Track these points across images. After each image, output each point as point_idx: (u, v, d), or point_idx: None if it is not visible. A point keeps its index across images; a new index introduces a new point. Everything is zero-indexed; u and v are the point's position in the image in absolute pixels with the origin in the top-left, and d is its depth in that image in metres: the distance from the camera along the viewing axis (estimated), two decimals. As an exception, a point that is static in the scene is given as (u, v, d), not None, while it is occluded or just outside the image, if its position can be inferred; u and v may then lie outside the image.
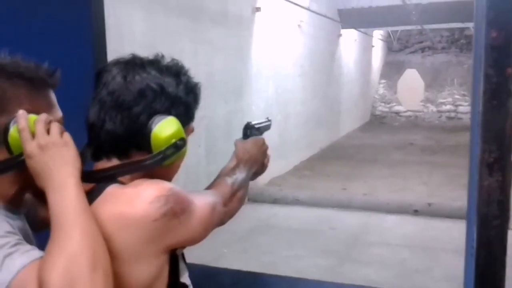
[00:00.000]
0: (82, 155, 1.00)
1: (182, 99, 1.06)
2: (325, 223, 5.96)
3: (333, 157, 10.17)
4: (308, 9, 9.02)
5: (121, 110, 1.00)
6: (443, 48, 18.30)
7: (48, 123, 0.96)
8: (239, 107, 6.68)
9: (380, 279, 4.28)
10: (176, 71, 1.07)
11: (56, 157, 0.93)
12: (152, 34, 4.70)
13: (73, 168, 0.94)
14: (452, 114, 16.33)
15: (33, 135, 0.94)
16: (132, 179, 1.01)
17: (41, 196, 1.00)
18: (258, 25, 7.26)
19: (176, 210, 0.96)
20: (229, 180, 1.24)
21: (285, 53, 8.45)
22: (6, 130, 0.95)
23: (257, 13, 7.18)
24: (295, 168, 8.84)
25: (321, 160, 9.83)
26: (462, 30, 17.04)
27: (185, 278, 1.09)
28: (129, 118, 1.00)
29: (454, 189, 6.89)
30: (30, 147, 0.93)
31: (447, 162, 9.16)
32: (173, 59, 1.09)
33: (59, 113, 1.05)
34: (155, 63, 1.06)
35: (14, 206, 1.00)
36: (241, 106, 6.76)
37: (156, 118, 1.00)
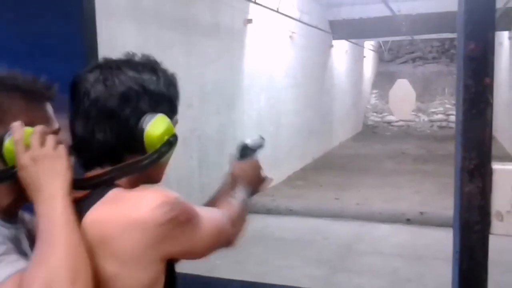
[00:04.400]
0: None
1: (165, 94, 1.04)
2: (318, 233, 5.97)
3: (326, 167, 10.20)
4: (299, 20, 9.10)
5: (108, 118, 0.98)
6: (433, 58, 18.48)
7: (44, 135, 0.97)
8: (231, 119, 6.71)
9: (373, 288, 4.29)
10: (152, 67, 1.05)
11: (47, 169, 0.93)
12: (145, 47, 4.71)
13: (63, 181, 0.94)
14: (444, 123, 16.45)
15: (27, 147, 0.95)
16: (128, 182, 1.01)
17: None
18: (250, 37, 7.32)
19: (181, 219, 0.96)
20: (235, 201, 1.24)
21: (277, 64, 8.51)
22: (1, 142, 0.97)
23: (249, 25, 7.24)
24: (288, 178, 8.86)
25: (314, 170, 9.86)
26: (452, 40, 17.22)
27: None
28: (118, 124, 0.99)
29: (446, 197, 6.92)
30: (23, 158, 0.94)
31: (439, 171, 9.21)
32: (143, 55, 1.07)
33: (55, 125, 1.06)
34: (129, 62, 1.04)
35: (8, 216, 1.01)
36: (234, 118, 6.79)
37: (145, 118, 0.99)
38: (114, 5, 4.35)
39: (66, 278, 0.84)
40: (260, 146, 1.44)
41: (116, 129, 0.99)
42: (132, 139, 0.99)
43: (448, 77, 17.55)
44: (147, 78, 1.02)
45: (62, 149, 0.97)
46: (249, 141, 1.42)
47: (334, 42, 12.01)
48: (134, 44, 4.60)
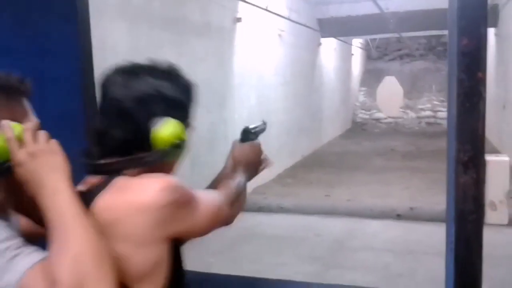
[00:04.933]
0: (83, 154, 1.10)
1: (180, 100, 1.14)
2: (309, 230, 6.01)
3: (316, 164, 10.26)
4: (288, 18, 9.14)
5: (124, 117, 1.08)
6: (421, 55, 18.62)
7: (35, 131, 0.99)
8: (222, 117, 6.72)
9: (366, 283, 4.33)
10: (172, 75, 1.15)
11: (45, 164, 0.96)
12: (135, 46, 4.73)
13: (63, 174, 0.98)
14: (432, 120, 16.59)
15: (20, 143, 0.97)
16: (135, 174, 1.08)
17: (22, 205, 1.06)
18: (239, 35, 7.33)
19: (181, 201, 1.05)
20: (232, 183, 1.31)
21: (267, 62, 8.53)
22: None
23: (238, 24, 7.26)
24: (279, 176, 8.89)
25: (304, 167, 9.91)
26: (439, 37, 17.37)
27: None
28: (132, 124, 1.08)
29: (436, 193, 7.01)
30: (19, 155, 0.96)
31: (427, 167, 9.30)
32: (168, 63, 1.16)
33: (35, 119, 1.07)
34: (151, 69, 1.13)
35: (2, 212, 1.02)
36: (225, 116, 6.81)
37: (156, 121, 1.08)
38: (105, 4, 4.34)
39: (92, 261, 0.89)
40: (261, 130, 1.49)
41: (129, 128, 1.08)
42: (142, 138, 1.08)
43: (435, 74, 17.70)
44: (165, 84, 1.11)
45: (55, 144, 1.01)
46: (251, 125, 1.47)
47: (323, 40, 12.06)
48: (125, 44, 4.60)
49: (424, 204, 6.61)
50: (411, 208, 6.42)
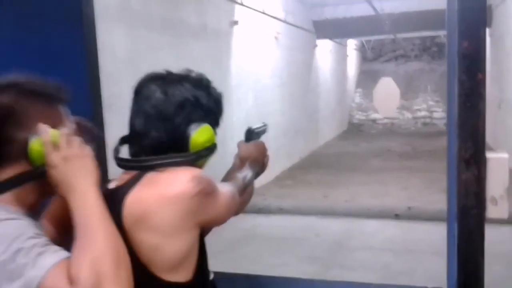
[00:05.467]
0: (115, 151, 1.18)
1: (213, 109, 1.25)
2: (309, 230, 6.05)
3: (313, 165, 10.30)
4: (284, 21, 9.19)
5: (164, 120, 1.17)
6: (415, 56, 18.72)
7: (70, 136, 1.06)
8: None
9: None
10: (206, 85, 1.25)
11: (78, 167, 1.03)
12: (134, 49, 4.76)
13: (93, 178, 1.04)
14: (427, 120, 16.68)
15: (56, 147, 1.03)
16: (164, 170, 1.16)
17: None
18: (236, 38, 7.38)
19: (208, 190, 1.13)
20: (240, 176, 1.41)
21: (264, 64, 8.58)
22: (26, 143, 1.03)
23: (235, 26, 7.30)
24: (277, 178, 8.93)
25: (301, 169, 9.95)
26: (433, 38, 17.48)
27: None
28: (171, 127, 1.17)
29: (433, 192, 7.06)
30: (54, 158, 1.02)
31: (424, 167, 9.37)
32: (199, 73, 1.25)
33: (71, 126, 1.12)
34: (187, 78, 1.23)
35: (33, 213, 1.07)
36: (223, 118, 6.83)
37: (194, 126, 1.18)
38: (104, 7, 4.37)
39: (111, 262, 0.94)
40: (263, 131, 1.60)
41: (168, 130, 1.18)
42: (180, 141, 1.18)
43: (430, 74, 17.81)
44: (201, 93, 1.22)
45: (88, 150, 1.07)
46: (254, 126, 1.57)
47: (318, 41, 12.13)
48: (123, 47, 4.63)
49: (422, 203, 6.66)
50: (409, 208, 6.47)
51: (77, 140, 1.06)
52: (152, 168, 1.15)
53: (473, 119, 1.04)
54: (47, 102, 1.09)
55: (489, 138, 10.97)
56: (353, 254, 5.27)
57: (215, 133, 1.24)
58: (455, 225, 1.08)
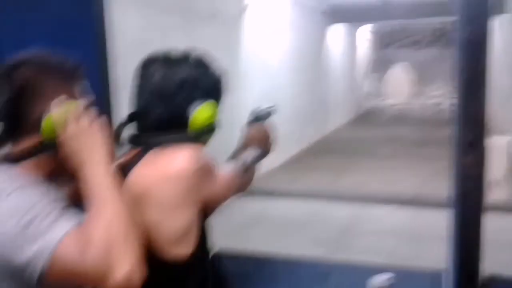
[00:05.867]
0: (120, 127, 1.22)
1: (213, 88, 1.29)
2: (316, 215, 6.10)
3: (322, 151, 10.31)
4: (296, 5, 9.13)
5: (165, 99, 1.22)
6: (429, 42, 18.54)
7: (83, 110, 1.10)
8: (229, 104, 6.72)
9: (371, 267, 4.41)
10: (207, 64, 1.28)
11: (90, 141, 1.08)
12: (146, 31, 4.78)
13: (103, 151, 1.09)
14: (440, 107, 16.58)
15: (69, 121, 1.08)
16: (165, 148, 1.21)
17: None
18: (246, 22, 7.36)
19: (206, 168, 1.19)
20: (244, 155, 1.46)
21: (274, 49, 8.55)
22: (41, 117, 1.08)
23: (246, 11, 7.27)
24: (285, 162, 8.96)
25: (310, 154, 9.97)
26: (447, 24, 17.26)
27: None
28: (172, 105, 1.22)
29: (441, 180, 7.00)
30: (67, 132, 1.07)
31: (435, 154, 9.33)
32: (200, 53, 1.29)
33: (84, 102, 1.17)
34: (188, 58, 1.27)
35: (52, 179, 1.13)
36: (232, 103, 6.82)
37: (194, 104, 1.22)
38: (115, -10, 4.39)
39: (121, 228, 0.99)
40: (268, 113, 1.61)
41: (169, 109, 1.22)
42: (181, 118, 1.22)
43: (443, 62, 17.62)
44: (201, 72, 1.26)
45: (99, 124, 1.11)
46: (260, 108, 1.59)
47: (330, 27, 12.04)
48: (135, 28, 4.65)
49: (430, 190, 6.66)
50: (417, 195, 6.48)
51: (90, 114, 1.11)
52: (153, 145, 1.20)
53: (475, 106, 1.06)
54: (63, 78, 1.13)
55: (498, 125, 10.89)
56: (360, 239, 5.31)
57: (216, 112, 1.27)
58: (458, 208, 1.11)
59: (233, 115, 6.90)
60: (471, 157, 1.04)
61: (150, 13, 4.95)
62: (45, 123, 1.08)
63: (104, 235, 0.97)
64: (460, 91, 1.07)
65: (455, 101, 1.34)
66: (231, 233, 5.35)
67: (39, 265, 0.94)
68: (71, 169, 1.09)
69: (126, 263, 0.96)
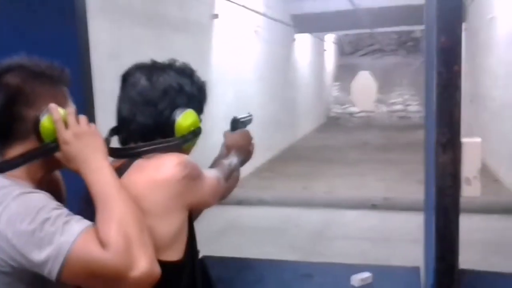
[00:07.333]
0: (106, 141, 1.20)
1: (196, 95, 1.31)
2: (289, 221, 6.17)
3: (292, 158, 10.43)
4: (264, 15, 9.26)
5: (149, 106, 1.23)
6: (392, 50, 19.03)
7: (77, 115, 1.13)
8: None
9: (345, 269, 4.51)
10: (189, 73, 1.31)
11: (89, 144, 1.10)
12: (118, 43, 4.78)
13: (104, 153, 1.12)
14: (403, 114, 17.00)
15: (65, 125, 1.10)
16: (152, 156, 1.21)
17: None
18: (216, 31, 7.43)
19: (193, 174, 1.20)
20: (226, 162, 1.48)
21: (244, 58, 8.64)
22: (37, 121, 1.10)
23: (216, 20, 7.35)
24: (257, 170, 9.02)
25: (281, 161, 10.07)
26: (409, 33, 17.79)
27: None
28: (156, 112, 1.23)
29: (409, 184, 7.25)
30: (66, 135, 1.09)
31: (400, 159, 9.58)
32: (183, 63, 1.32)
33: (73, 106, 1.20)
34: (171, 66, 1.29)
35: (41, 188, 1.12)
36: (204, 111, 6.89)
37: (178, 111, 1.24)
38: (87, 1, 4.39)
39: (135, 225, 1.02)
40: (249, 120, 1.67)
41: (154, 116, 1.23)
42: (165, 125, 1.23)
43: (406, 69, 18.12)
44: (184, 80, 1.28)
45: (95, 127, 1.14)
46: (239, 116, 1.63)
47: (297, 35, 12.23)
48: (108, 40, 4.65)
49: (398, 194, 6.85)
50: (386, 198, 6.65)
51: (84, 119, 1.13)
52: (140, 155, 1.21)
53: (450, 107, 1.15)
54: (52, 83, 1.15)
55: (463, 131, 11.26)
56: (332, 243, 5.42)
57: (199, 118, 1.29)
58: (433, 204, 1.19)
59: (205, 123, 6.96)
60: (448, 155, 1.13)
61: (122, 25, 4.96)
62: (43, 126, 1.09)
63: (120, 233, 0.98)
64: (436, 94, 1.16)
65: (426, 104, 1.44)
66: (208, 241, 5.35)
67: (57, 263, 0.96)
68: (73, 170, 1.10)
69: (144, 260, 0.98)
